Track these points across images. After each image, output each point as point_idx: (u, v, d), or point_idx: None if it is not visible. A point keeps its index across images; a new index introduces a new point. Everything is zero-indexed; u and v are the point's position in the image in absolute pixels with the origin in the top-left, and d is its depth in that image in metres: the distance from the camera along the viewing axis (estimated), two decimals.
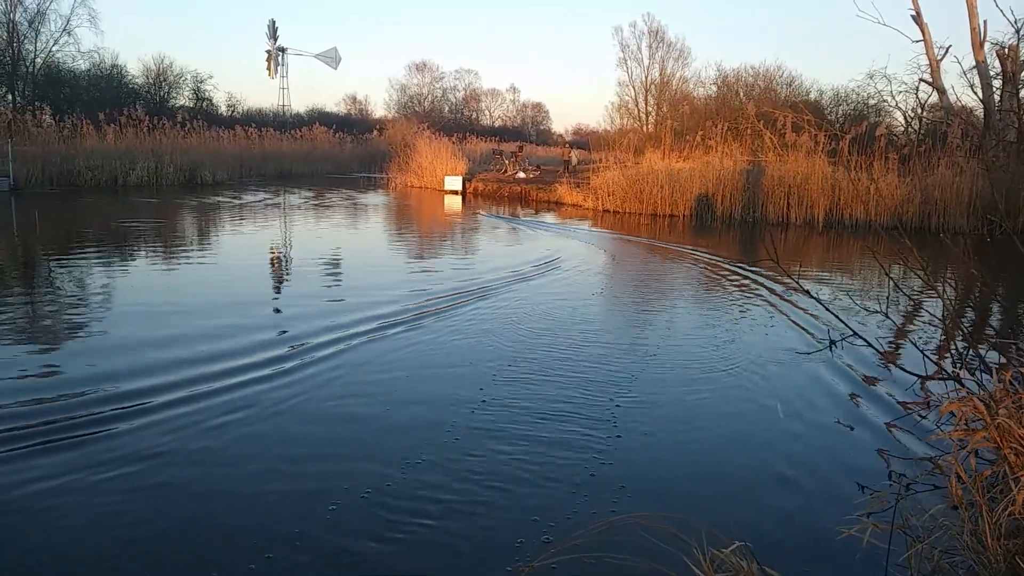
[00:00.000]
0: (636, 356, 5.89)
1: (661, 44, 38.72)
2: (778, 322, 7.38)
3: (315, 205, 20.56)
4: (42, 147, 23.07)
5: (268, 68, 48.91)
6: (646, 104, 38.39)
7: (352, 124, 50.08)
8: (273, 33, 48.67)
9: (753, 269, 10.63)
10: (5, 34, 32.53)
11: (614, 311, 8.14)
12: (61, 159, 22.87)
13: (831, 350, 4.02)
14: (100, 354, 5.56)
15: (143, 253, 11.13)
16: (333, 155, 39.40)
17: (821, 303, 4.55)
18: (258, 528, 3.22)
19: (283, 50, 49.41)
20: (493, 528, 3.26)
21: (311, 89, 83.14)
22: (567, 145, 32.28)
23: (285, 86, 50.29)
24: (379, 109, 64.82)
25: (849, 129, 17.40)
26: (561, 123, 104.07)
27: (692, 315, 7.98)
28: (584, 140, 40.90)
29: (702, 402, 4.92)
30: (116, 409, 4.42)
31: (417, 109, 59.57)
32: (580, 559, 2.98)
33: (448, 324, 6.79)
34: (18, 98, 32.39)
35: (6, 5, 32.23)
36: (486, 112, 70.96)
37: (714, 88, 33.12)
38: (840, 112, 27.93)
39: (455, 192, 25.82)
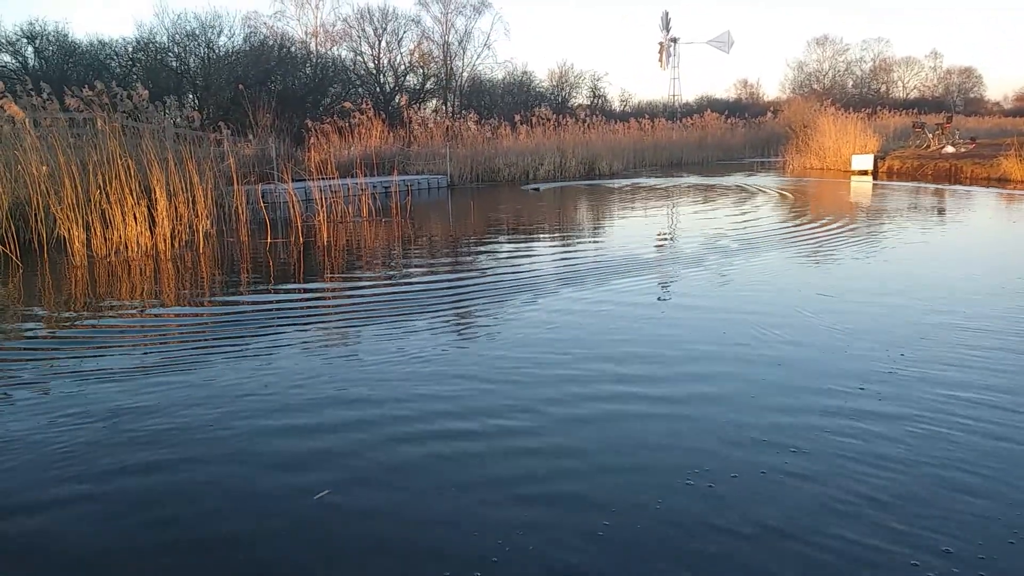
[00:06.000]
0: None
1: None
2: None
3: (704, 187, 20.09)
4: (470, 148, 26.42)
5: (660, 60, 49.80)
6: None
7: (743, 108, 48.60)
8: (666, 25, 49.38)
9: None
10: (441, 54, 38.13)
11: None
12: (485, 158, 25.95)
13: None
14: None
15: (547, 228, 11.84)
16: (723, 141, 38.54)
17: None
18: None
19: (675, 40, 49.86)
20: None
21: (700, 77, 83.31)
22: None
23: (676, 76, 50.75)
24: (772, 90, 62.11)
25: None
26: (998, 90, 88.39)
27: None
28: None
29: None
30: None
31: (815, 87, 55.52)
32: None
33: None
34: (450, 108, 37.70)
35: (442, 28, 37.77)
36: (898, 83, 63.33)
37: None
38: None
39: (864, 172, 23.23)
